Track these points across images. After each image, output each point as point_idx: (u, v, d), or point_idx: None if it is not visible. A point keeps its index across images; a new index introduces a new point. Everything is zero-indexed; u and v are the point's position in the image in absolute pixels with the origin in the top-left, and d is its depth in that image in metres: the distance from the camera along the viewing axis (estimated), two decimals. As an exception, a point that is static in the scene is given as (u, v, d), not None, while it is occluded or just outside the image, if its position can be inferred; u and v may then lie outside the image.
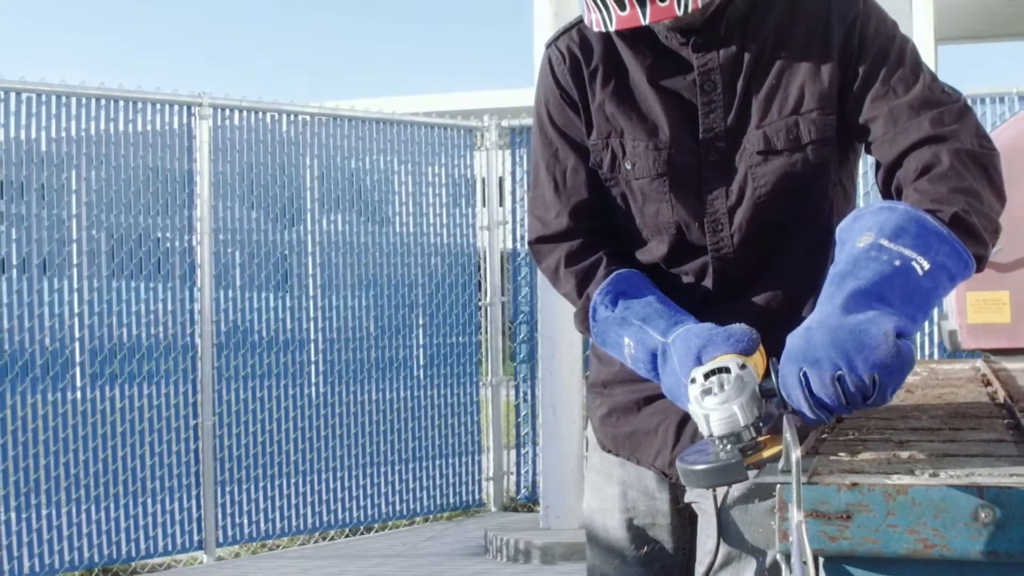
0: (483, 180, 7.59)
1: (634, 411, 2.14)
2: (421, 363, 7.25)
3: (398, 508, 7.10)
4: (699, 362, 1.74)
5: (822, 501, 1.46)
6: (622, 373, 2.11)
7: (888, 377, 1.52)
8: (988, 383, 2.81)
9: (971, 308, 3.79)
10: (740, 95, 1.95)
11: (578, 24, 2.06)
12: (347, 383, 6.89)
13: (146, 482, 6.10)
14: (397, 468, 7.09)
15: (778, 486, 1.51)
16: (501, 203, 7.61)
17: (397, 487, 7.10)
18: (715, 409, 1.63)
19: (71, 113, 5.83)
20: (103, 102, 5.93)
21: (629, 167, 2.00)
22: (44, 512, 5.77)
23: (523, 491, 7.61)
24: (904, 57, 1.90)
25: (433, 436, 7.27)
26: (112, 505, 5.98)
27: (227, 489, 6.41)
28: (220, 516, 6.38)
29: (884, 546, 1.44)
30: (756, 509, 2.00)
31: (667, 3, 1.79)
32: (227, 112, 6.37)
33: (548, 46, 2.09)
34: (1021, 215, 3.68)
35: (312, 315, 6.81)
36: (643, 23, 1.81)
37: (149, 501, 6.11)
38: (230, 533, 6.44)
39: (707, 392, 1.66)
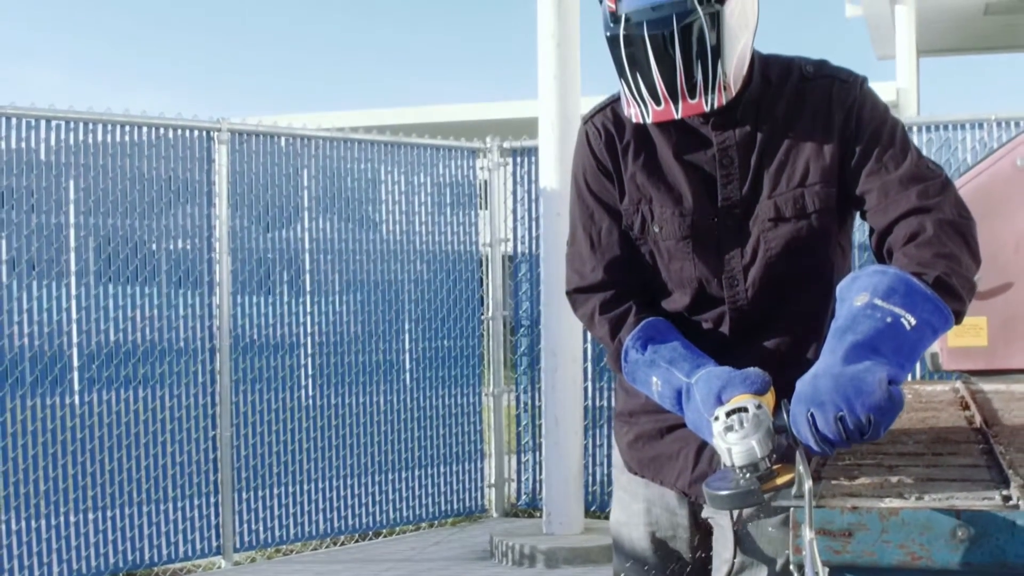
0: (486, 198, 7.87)
1: (658, 438, 2.44)
2: (427, 374, 7.53)
3: (405, 514, 7.38)
4: (720, 401, 2.04)
5: (828, 521, 1.75)
6: (647, 405, 2.39)
7: (881, 417, 1.84)
8: (966, 406, 3.10)
9: (951, 332, 4.04)
10: (753, 169, 2.24)
11: (611, 103, 2.36)
12: (357, 393, 7.16)
13: (168, 490, 6.37)
14: (404, 476, 7.38)
15: (792, 508, 1.82)
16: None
17: (404, 494, 7.38)
18: (736, 443, 1.95)
19: (98, 139, 6.12)
20: (127, 128, 6.22)
21: (657, 230, 2.30)
22: (72, 520, 6.03)
23: (524, 497, 7.89)
24: (894, 138, 2.21)
25: (439, 445, 7.56)
26: (136, 513, 6.24)
27: (244, 496, 6.68)
28: (237, 522, 6.66)
29: (880, 558, 1.72)
30: (765, 524, 2.30)
31: (696, 100, 2.10)
32: (244, 136, 6.67)
33: (585, 122, 2.39)
34: (995, 248, 3.98)
35: (325, 328, 7.09)
36: (676, 117, 2.11)
37: (170, 508, 6.36)
38: (247, 539, 6.71)
39: (729, 429, 1.97)
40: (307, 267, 7.05)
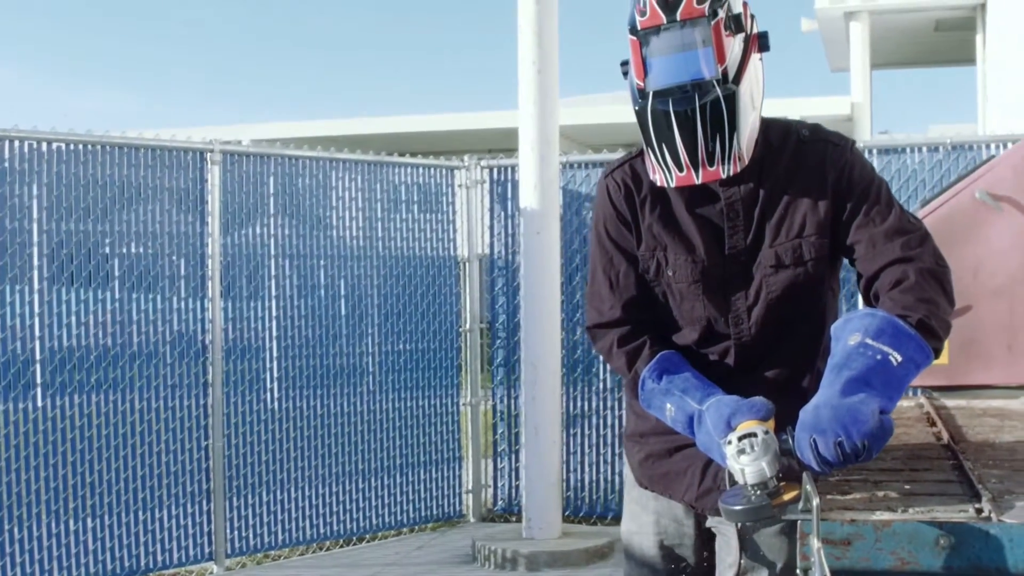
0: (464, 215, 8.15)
1: (667, 457, 2.73)
2: (408, 383, 7.80)
3: (387, 520, 7.63)
4: (729, 426, 2.34)
5: (830, 532, 2.05)
6: (657, 427, 2.68)
7: (874, 443, 2.15)
8: (932, 422, 3.43)
9: (916, 351, 4.35)
10: (756, 221, 2.55)
11: (629, 160, 2.66)
12: (342, 402, 7.41)
13: (163, 498, 6.59)
14: (387, 482, 7.64)
15: (799, 520, 2.12)
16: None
17: (386, 500, 7.64)
18: (748, 465, 2.25)
19: (97, 159, 6.36)
20: (125, 149, 6.46)
21: (671, 274, 2.60)
22: (72, 528, 6.22)
23: (500, 503, 8.18)
24: (880, 195, 2.52)
25: (419, 453, 7.83)
26: (133, 521, 6.45)
27: (235, 504, 6.92)
28: (228, 529, 6.90)
29: (874, 564, 2.02)
30: (766, 531, 2.61)
31: (714, 168, 2.40)
32: (235, 157, 6.93)
33: (606, 176, 2.68)
34: (956, 274, 4.30)
35: (312, 340, 7.35)
36: (696, 183, 2.42)
37: (165, 516, 6.58)
38: (237, 545, 6.94)
39: (741, 452, 2.27)
40: (296, 278, 7.29)
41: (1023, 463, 2.63)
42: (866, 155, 7.21)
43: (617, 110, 19.70)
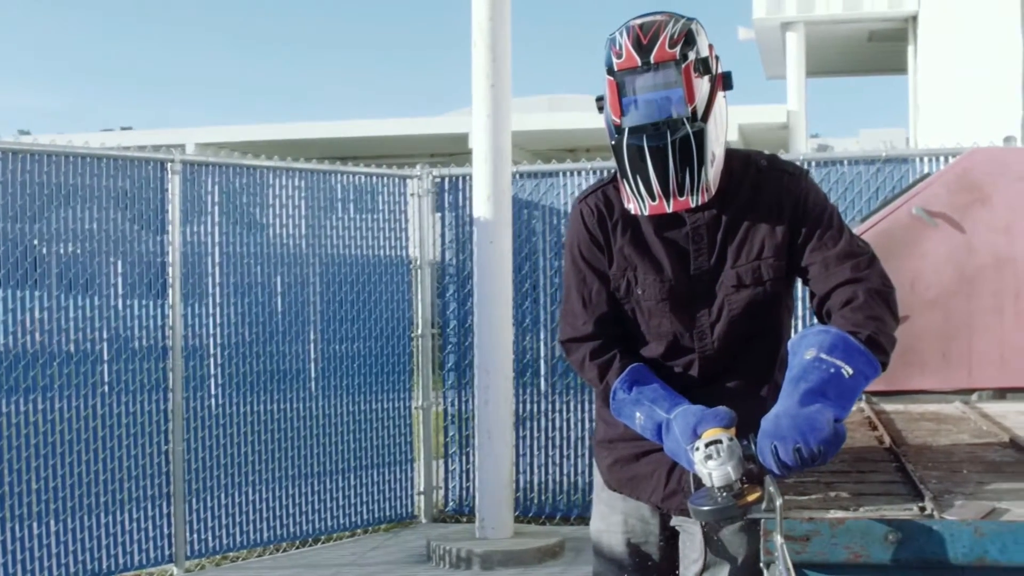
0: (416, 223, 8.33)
1: (634, 461, 2.94)
2: (362, 387, 7.96)
3: (342, 521, 7.80)
4: (696, 433, 2.55)
5: (791, 529, 2.26)
6: (625, 433, 2.90)
7: (829, 449, 2.38)
8: (874, 427, 3.68)
9: (856, 359, 4.59)
10: (719, 245, 2.77)
11: (602, 187, 2.87)
12: (297, 406, 7.58)
13: (123, 501, 6.69)
14: (341, 484, 7.81)
15: (763, 519, 2.34)
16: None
17: (341, 502, 7.81)
18: (715, 469, 2.47)
19: (61, 168, 6.47)
20: (88, 159, 6.57)
21: (640, 292, 2.81)
22: (36, 531, 6.31)
23: (451, 504, 8.38)
24: (832, 221, 2.75)
25: (372, 455, 8.01)
26: (94, 524, 6.54)
27: (194, 506, 7.05)
28: (188, 531, 7.02)
29: (830, 557, 2.24)
30: (728, 530, 2.83)
31: (684, 198, 2.62)
32: (195, 167, 7.06)
33: (579, 201, 2.89)
34: (896, 285, 4.57)
35: (268, 345, 7.49)
36: (668, 211, 2.64)
37: (127, 519, 6.69)
38: (197, 547, 7.07)
39: (708, 457, 2.49)
40: (253, 284, 7.43)
41: (959, 464, 2.88)
42: (808, 167, 7.50)
43: (554, 117, 19.96)
